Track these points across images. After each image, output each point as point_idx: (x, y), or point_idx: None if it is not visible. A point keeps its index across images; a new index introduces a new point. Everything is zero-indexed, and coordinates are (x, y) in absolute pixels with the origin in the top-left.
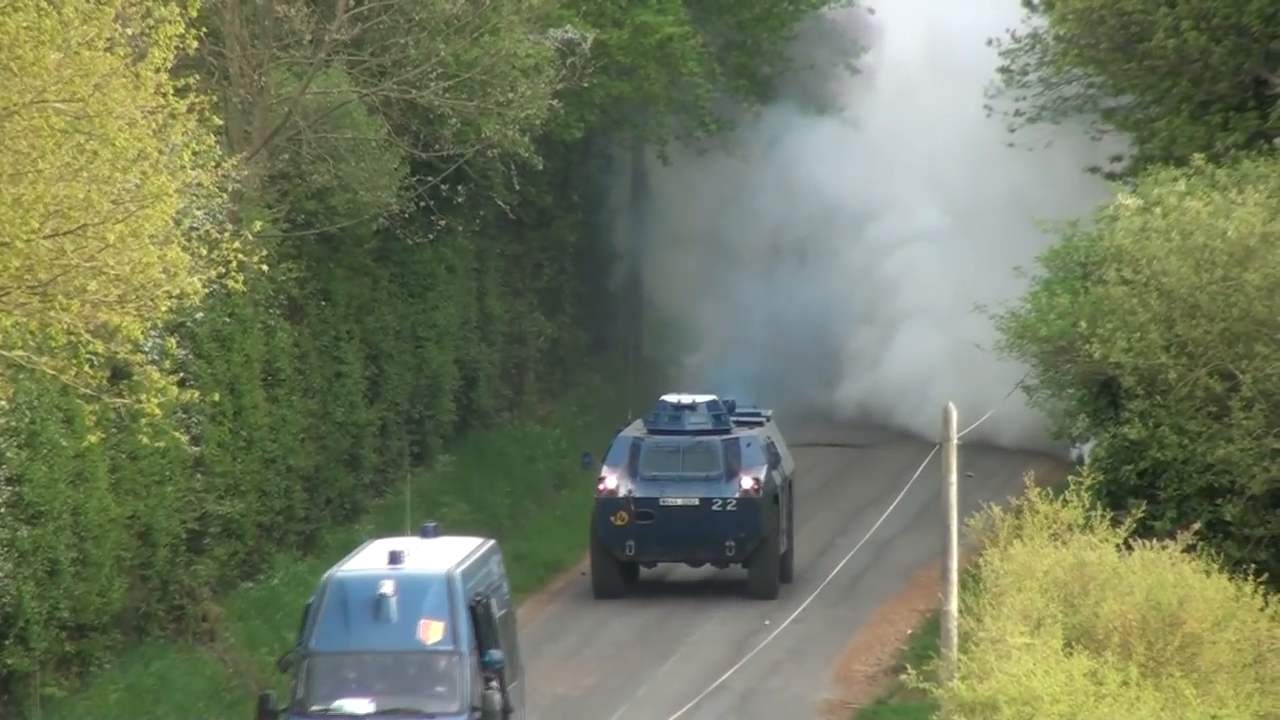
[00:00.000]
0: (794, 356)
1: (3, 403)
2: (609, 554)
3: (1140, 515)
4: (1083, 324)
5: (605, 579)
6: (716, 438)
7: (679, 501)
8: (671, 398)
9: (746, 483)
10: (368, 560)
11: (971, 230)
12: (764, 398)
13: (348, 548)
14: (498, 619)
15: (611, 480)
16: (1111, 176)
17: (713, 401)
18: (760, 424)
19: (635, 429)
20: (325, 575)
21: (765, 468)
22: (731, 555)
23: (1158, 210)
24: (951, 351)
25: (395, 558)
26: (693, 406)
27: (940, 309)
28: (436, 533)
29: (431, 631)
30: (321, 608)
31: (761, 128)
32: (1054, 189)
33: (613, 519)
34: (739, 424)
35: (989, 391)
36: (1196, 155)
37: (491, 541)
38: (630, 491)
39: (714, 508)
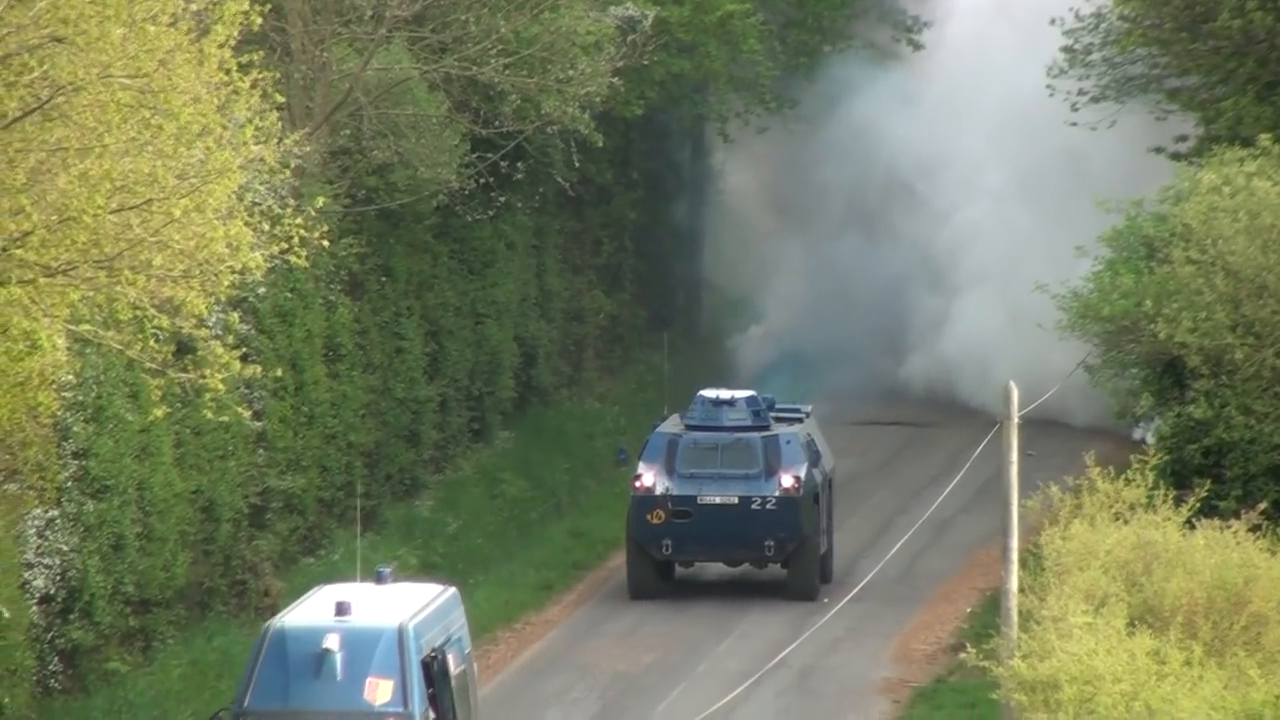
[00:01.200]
0: (860, 329)
1: (69, 377)
2: (645, 553)
3: (1205, 495)
4: (1148, 303)
5: (641, 579)
6: (756, 434)
7: (717, 500)
8: (710, 392)
9: (787, 481)
10: (313, 609)
11: (1032, 193)
12: (823, 375)
13: (408, 524)
14: (455, 677)
15: (648, 477)
16: (1176, 156)
17: (752, 397)
18: (800, 420)
19: (672, 425)
20: (265, 625)
21: (805, 465)
22: (771, 555)
23: (1225, 190)
24: (1012, 324)
25: (342, 608)
26: (731, 402)
27: (1001, 277)
28: (392, 579)
29: (379, 691)
30: (258, 662)
31: (824, 86)
32: (1115, 156)
33: (649, 517)
34: (778, 420)
35: (1053, 366)
36: (1263, 135)
37: (452, 590)
38: (667, 489)
39: (753, 506)
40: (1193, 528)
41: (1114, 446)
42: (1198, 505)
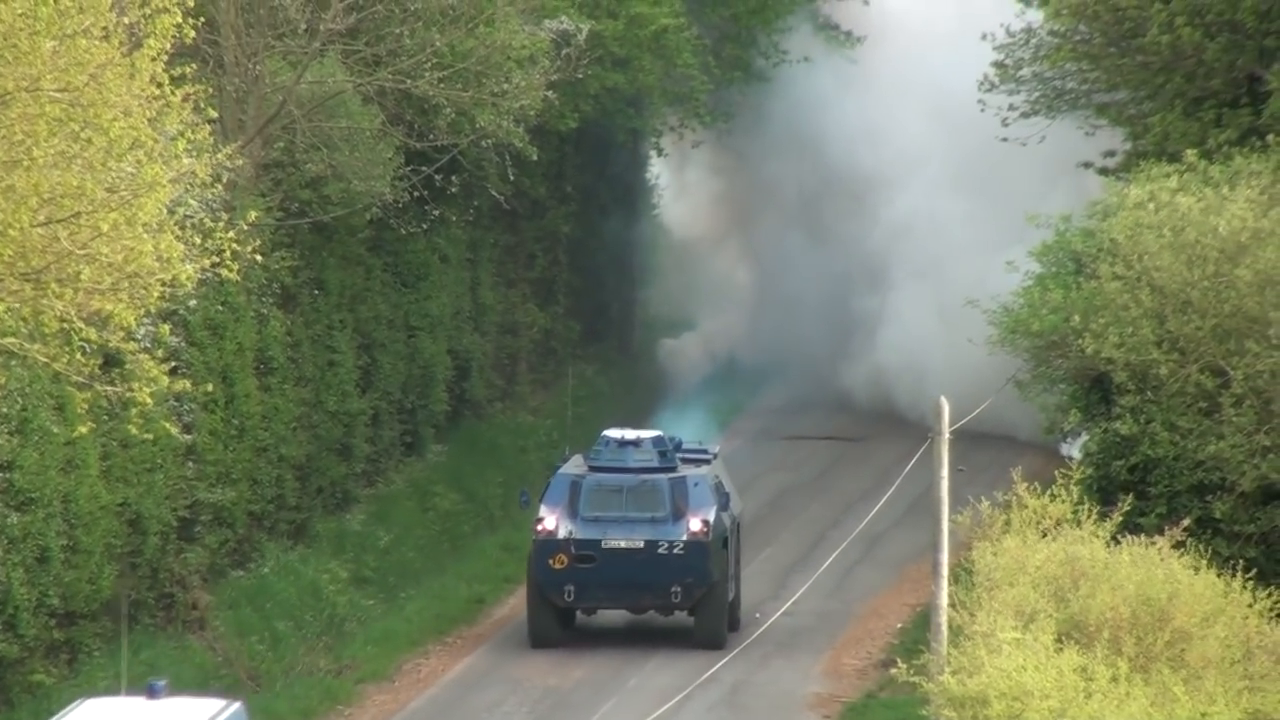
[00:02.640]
0: (801, 337)
1: None
2: (547, 599)
3: (1128, 510)
4: (1076, 319)
5: (543, 627)
6: (662, 476)
7: (622, 544)
8: (614, 433)
9: (695, 525)
10: None
11: (964, 189)
12: (759, 387)
13: (339, 537)
14: None
15: (550, 520)
16: (1104, 171)
17: (658, 437)
18: (708, 461)
19: (575, 466)
20: None
21: (714, 509)
22: (677, 602)
23: (1151, 205)
24: (946, 328)
25: None
26: (636, 443)
27: (935, 275)
28: (166, 693)
29: None
30: None
31: (760, 91)
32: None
33: (551, 562)
34: (686, 461)
35: (989, 375)
36: (1189, 151)
37: (237, 704)
38: (570, 533)
39: (660, 551)
40: (1118, 543)
41: (1045, 461)
42: (1121, 521)
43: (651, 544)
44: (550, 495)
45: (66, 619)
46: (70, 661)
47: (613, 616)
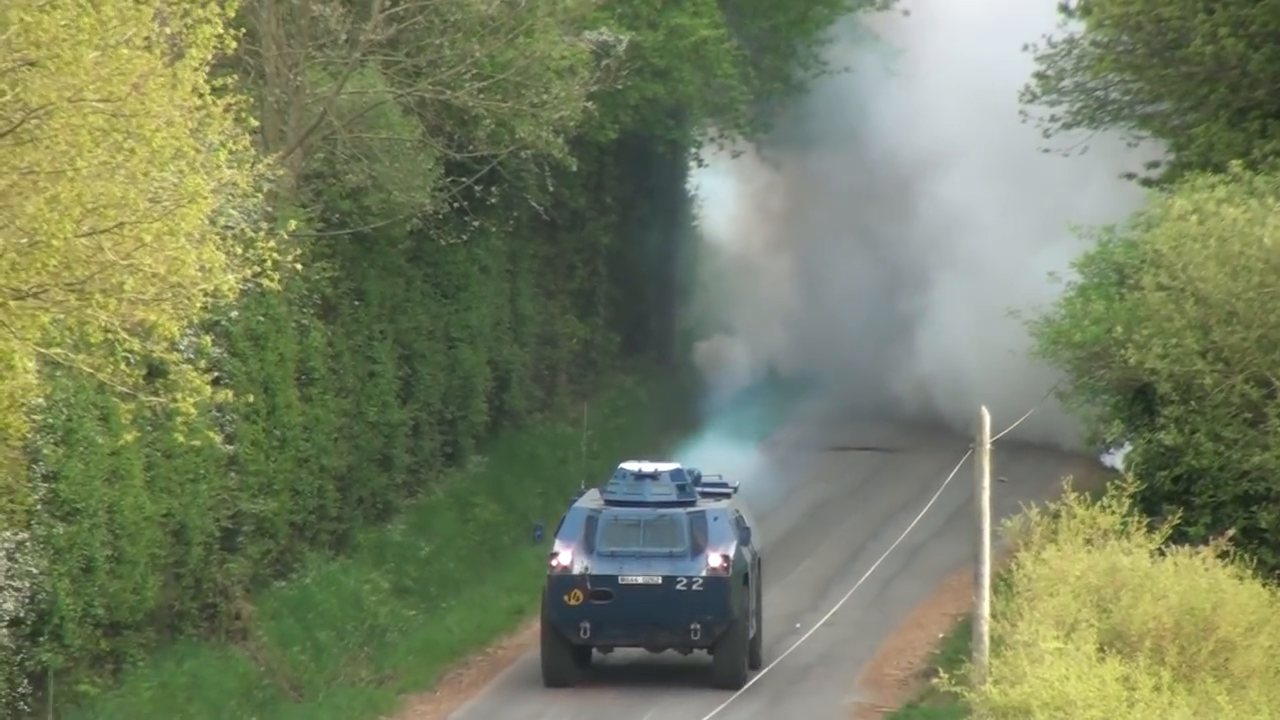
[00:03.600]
0: (845, 346)
1: (40, 400)
2: (561, 637)
3: (1175, 521)
4: (1118, 330)
5: (557, 665)
6: (681, 510)
7: (640, 580)
8: (631, 465)
9: (714, 560)
10: None
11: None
12: (800, 399)
13: (380, 548)
14: None
15: (565, 556)
16: (1148, 183)
17: (676, 470)
18: (728, 495)
19: (591, 500)
20: None
21: (734, 544)
22: (697, 639)
23: (1195, 217)
24: (987, 333)
25: None
26: (655, 475)
27: (976, 279)
28: None
29: None
30: None
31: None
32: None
33: (566, 598)
34: (705, 495)
35: (1026, 386)
36: (1234, 162)
37: None
38: (586, 568)
39: (678, 587)
40: (1163, 555)
41: (1086, 471)
42: (1169, 532)
43: (670, 580)
44: (565, 530)
45: (112, 629)
46: (115, 672)
47: (632, 653)
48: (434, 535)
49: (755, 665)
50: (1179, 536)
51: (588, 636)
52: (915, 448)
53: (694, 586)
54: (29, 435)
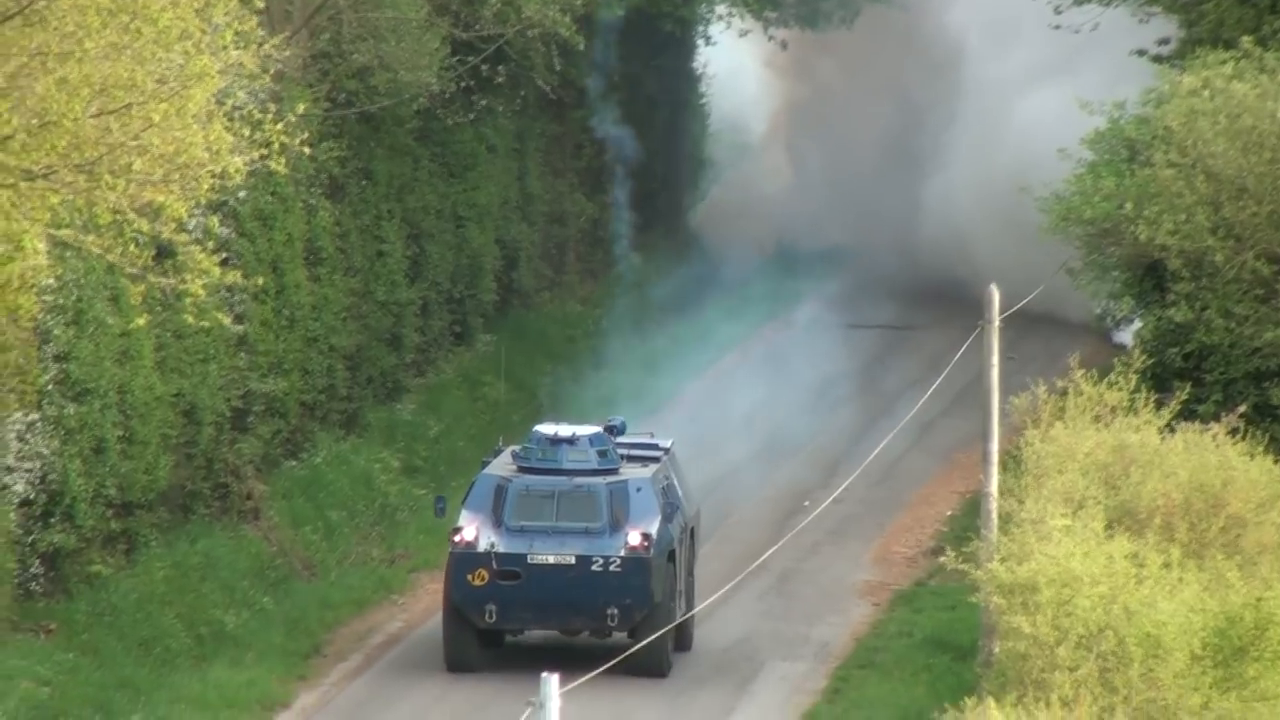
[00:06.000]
0: (855, 222)
1: (50, 281)
2: (465, 619)
3: (1185, 399)
4: (1129, 206)
5: (460, 649)
6: (600, 480)
7: (551, 559)
8: (547, 428)
9: (634, 538)
10: None
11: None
12: (814, 275)
13: (390, 427)
14: None
15: (470, 530)
16: (1158, 59)
17: (597, 434)
18: (656, 459)
19: (503, 465)
20: None
21: (658, 519)
22: (614, 625)
23: (1206, 93)
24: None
25: None
26: (572, 440)
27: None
28: None
29: None
30: None
31: None
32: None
33: (470, 578)
34: (631, 460)
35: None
36: (1245, 38)
37: None
38: (492, 545)
39: (594, 568)
40: (1172, 431)
41: (1095, 348)
42: (1178, 409)
43: (584, 560)
44: (472, 500)
45: (124, 509)
46: (128, 552)
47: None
48: (443, 414)
49: (685, 647)
50: (1188, 413)
51: (494, 620)
52: (925, 325)
53: (611, 567)
54: (39, 316)
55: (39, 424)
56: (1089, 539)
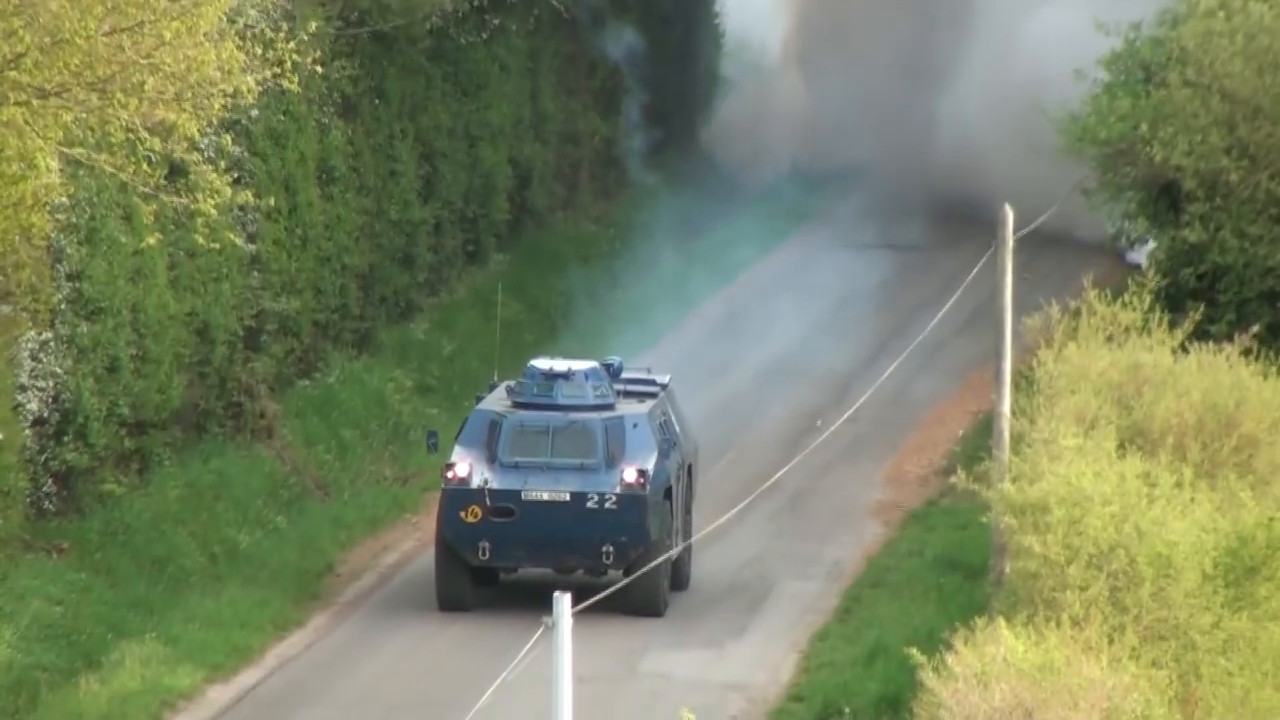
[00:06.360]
0: (869, 141)
1: (63, 199)
2: (458, 557)
3: (1198, 319)
4: (1144, 127)
5: (452, 588)
6: (596, 416)
7: (545, 496)
8: (542, 363)
9: (630, 475)
10: None
11: None
12: (828, 193)
13: (403, 346)
14: None
15: (463, 467)
16: None
17: (593, 369)
18: (654, 395)
19: (498, 400)
20: None
21: (655, 455)
22: (610, 563)
23: (1222, 13)
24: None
25: None
26: (568, 375)
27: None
28: None
29: None
30: None
31: None
32: None
33: (463, 514)
34: (628, 395)
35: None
36: None
37: None
38: (486, 481)
39: (589, 504)
40: (1186, 352)
41: (1108, 268)
42: (1191, 329)
43: (579, 496)
44: (466, 435)
45: (137, 428)
46: (141, 471)
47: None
48: (456, 334)
49: (680, 586)
50: (1202, 334)
51: (487, 558)
52: (938, 245)
53: (606, 504)
54: (52, 235)
55: (52, 343)
56: (1101, 459)
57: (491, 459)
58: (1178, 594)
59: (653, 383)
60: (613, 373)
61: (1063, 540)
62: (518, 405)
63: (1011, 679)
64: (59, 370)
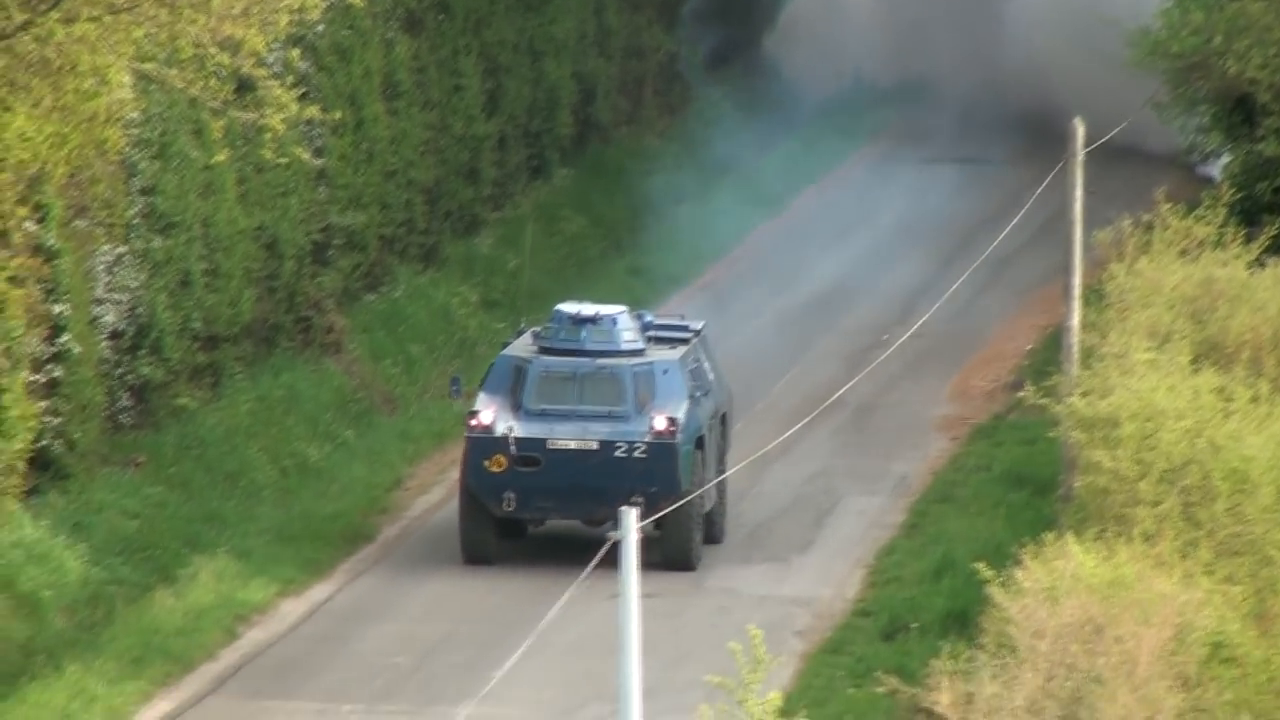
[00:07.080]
0: (934, 53)
1: (135, 114)
2: (482, 508)
3: (1274, 233)
4: (1218, 40)
5: (476, 540)
6: (625, 362)
7: (572, 444)
8: (569, 307)
9: (660, 423)
10: None
11: None
12: (892, 107)
13: (468, 261)
14: None
15: (487, 414)
16: None
17: (623, 314)
18: (685, 341)
19: (524, 346)
20: None
21: (686, 402)
22: (640, 514)
23: None
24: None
25: None
26: (595, 320)
27: None
28: None
29: None
30: None
31: None
32: None
33: (487, 464)
34: (658, 342)
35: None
36: None
37: None
38: (511, 429)
39: (617, 453)
40: (1261, 266)
41: (1181, 183)
42: (1267, 243)
43: (608, 445)
44: (490, 382)
45: (209, 342)
46: (214, 385)
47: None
48: (521, 248)
49: (715, 539)
50: (1277, 248)
51: (512, 508)
52: (1006, 159)
53: (635, 453)
54: (125, 149)
55: (127, 257)
56: (1174, 373)
57: (516, 406)
58: (1254, 509)
59: (685, 328)
60: (643, 324)
61: (1134, 455)
62: (544, 351)
63: (1081, 594)
64: (134, 284)
